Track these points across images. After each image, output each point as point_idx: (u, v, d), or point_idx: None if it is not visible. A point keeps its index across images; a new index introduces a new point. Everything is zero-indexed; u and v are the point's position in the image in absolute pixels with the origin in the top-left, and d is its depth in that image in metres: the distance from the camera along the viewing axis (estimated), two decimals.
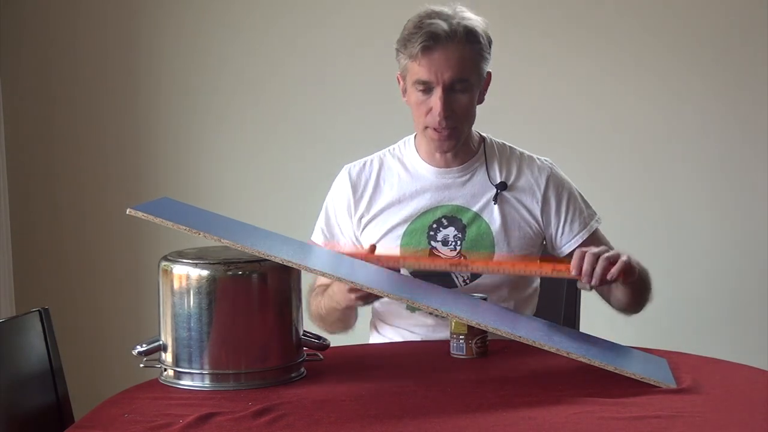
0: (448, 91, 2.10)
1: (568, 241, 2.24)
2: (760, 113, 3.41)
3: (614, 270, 1.93)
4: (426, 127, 2.16)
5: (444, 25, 2.08)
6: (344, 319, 2.15)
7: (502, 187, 2.22)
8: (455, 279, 2.19)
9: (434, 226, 2.21)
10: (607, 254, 1.94)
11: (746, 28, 3.41)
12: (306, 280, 1.82)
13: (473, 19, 2.13)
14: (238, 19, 3.52)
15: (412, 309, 2.20)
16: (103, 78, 3.54)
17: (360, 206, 2.26)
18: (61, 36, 3.54)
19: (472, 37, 2.11)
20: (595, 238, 2.25)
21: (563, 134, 3.46)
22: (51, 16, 3.53)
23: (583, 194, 2.30)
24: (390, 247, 2.21)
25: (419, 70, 2.11)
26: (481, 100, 2.20)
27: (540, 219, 2.23)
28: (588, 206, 2.29)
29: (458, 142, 2.19)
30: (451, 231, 2.21)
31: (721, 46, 3.43)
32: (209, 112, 3.54)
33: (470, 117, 2.18)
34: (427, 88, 2.12)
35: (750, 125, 3.43)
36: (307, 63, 3.52)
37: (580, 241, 2.24)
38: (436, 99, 2.11)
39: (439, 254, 2.20)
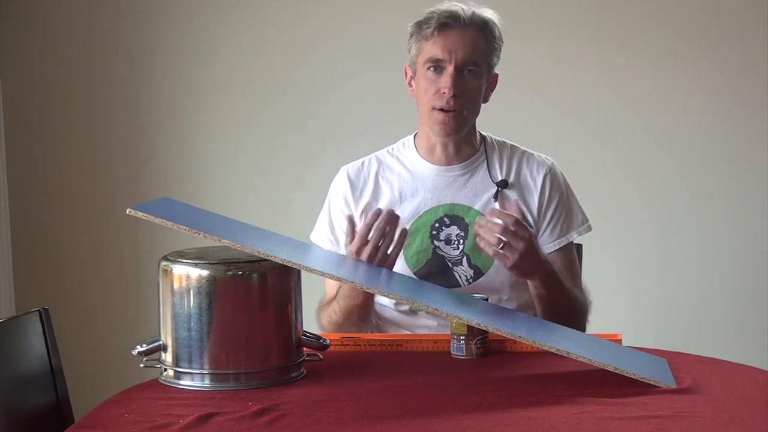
0: (459, 71, 2.13)
1: (544, 245, 2.23)
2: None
3: (510, 252, 1.95)
4: (433, 108, 2.16)
5: (463, 10, 2.15)
6: (363, 316, 2.13)
7: (503, 185, 2.23)
8: (458, 278, 2.19)
9: (436, 225, 2.21)
10: (519, 231, 1.94)
11: (759, 20, 3.41)
12: (306, 280, 1.81)
13: (491, 14, 2.19)
14: (237, 19, 3.52)
15: (414, 310, 2.20)
16: (103, 78, 3.54)
17: (360, 206, 2.25)
18: (61, 36, 3.54)
19: (487, 28, 2.16)
20: (566, 250, 2.26)
21: (570, 130, 3.47)
22: (51, 16, 3.53)
23: (579, 202, 2.30)
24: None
25: (433, 48, 2.14)
26: (486, 99, 2.22)
27: (536, 215, 2.23)
28: (577, 215, 2.28)
29: (461, 128, 2.19)
30: (453, 230, 2.21)
31: (735, 38, 3.43)
32: (209, 113, 3.54)
33: (476, 106, 2.19)
34: (438, 68, 2.14)
35: (758, 123, 3.43)
36: (307, 63, 3.52)
37: (555, 248, 2.24)
38: (446, 77, 2.13)
39: (443, 254, 2.19)
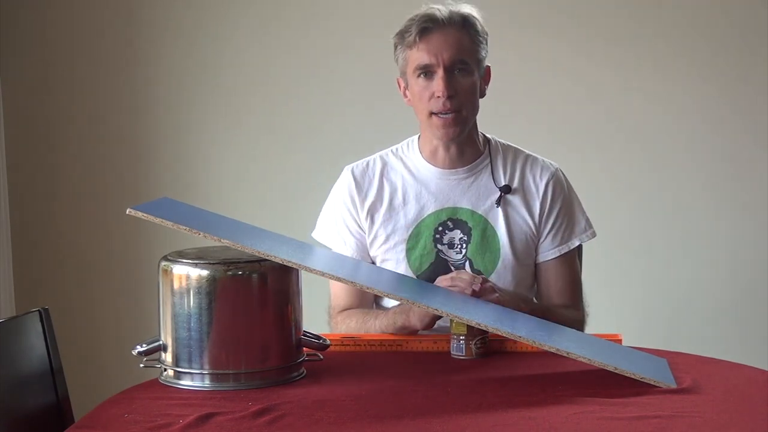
0: (449, 72, 2.12)
1: (544, 251, 2.23)
2: (764, 110, 3.42)
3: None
4: (431, 114, 2.15)
5: (440, 11, 2.14)
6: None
7: (506, 190, 2.21)
8: None
9: (440, 228, 2.20)
10: (484, 294, 1.97)
11: (750, 25, 3.41)
12: (306, 280, 1.81)
13: (468, 9, 2.17)
14: (237, 18, 3.52)
15: None
16: (103, 78, 3.54)
17: (365, 206, 2.24)
18: (61, 36, 3.54)
19: (468, 23, 2.15)
20: (567, 257, 2.24)
21: (567, 134, 3.47)
22: (51, 17, 3.53)
23: (583, 208, 2.28)
24: (395, 251, 2.21)
25: (419, 55, 2.13)
26: (483, 94, 2.21)
27: (537, 222, 2.22)
28: (580, 221, 2.26)
29: (463, 129, 2.17)
30: (457, 234, 2.20)
31: (726, 44, 3.43)
32: (209, 112, 3.54)
33: (474, 103, 2.18)
34: (428, 72, 2.13)
35: (755, 123, 3.43)
36: (307, 63, 3.52)
37: (555, 255, 2.23)
38: (438, 80, 2.12)
39: (446, 257, 2.19)
